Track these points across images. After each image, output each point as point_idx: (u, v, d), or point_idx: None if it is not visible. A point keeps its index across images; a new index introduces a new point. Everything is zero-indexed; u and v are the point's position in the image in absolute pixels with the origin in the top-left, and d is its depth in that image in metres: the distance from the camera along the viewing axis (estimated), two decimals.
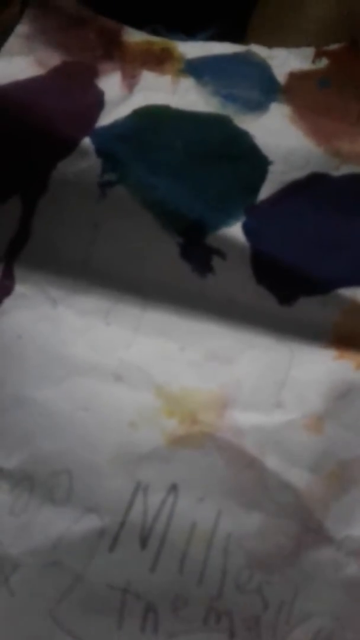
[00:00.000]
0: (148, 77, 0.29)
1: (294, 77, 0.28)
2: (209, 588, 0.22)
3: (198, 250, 0.26)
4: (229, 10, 0.33)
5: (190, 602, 0.22)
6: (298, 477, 0.23)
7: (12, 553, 0.23)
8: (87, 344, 0.26)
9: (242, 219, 0.26)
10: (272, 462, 0.23)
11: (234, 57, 0.29)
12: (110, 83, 0.28)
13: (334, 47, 0.29)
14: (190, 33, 0.32)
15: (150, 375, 0.25)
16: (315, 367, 0.25)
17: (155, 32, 0.31)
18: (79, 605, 0.22)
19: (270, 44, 0.30)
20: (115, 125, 0.27)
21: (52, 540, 0.23)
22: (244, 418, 0.24)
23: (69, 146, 0.26)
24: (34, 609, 0.22)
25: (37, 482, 0.23)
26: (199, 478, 0.23)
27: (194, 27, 0.32)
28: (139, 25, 0.31)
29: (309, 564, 0.23)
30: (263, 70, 0.29)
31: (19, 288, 0.27)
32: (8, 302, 0.27)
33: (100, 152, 0.26)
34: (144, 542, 0.23)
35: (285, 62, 0.29)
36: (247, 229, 0.25)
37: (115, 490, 0.23)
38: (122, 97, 0.28)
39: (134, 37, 0.30)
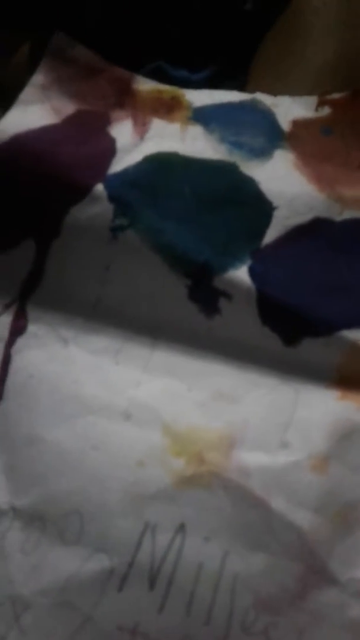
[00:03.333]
0: (158, 125, 0.30)
1: (297, 124, 0.29)
2: (215, 629, 0.22)
3: (205, 292, 0.27)
4: (230, 49, 0.34)
5: None
6: (303, 518, 0.23)
7: (24, 593, 0.23)
8: (97, 383, 0.26)
9: (248, 262, 0.26)
10: (278, 503, 0.23)
11: (240, 105, 0.30)
12: (122, 131, 0.30)
13: (336, 95, 0.30)
14: (193, 70, 0.33)
15: (158, 414, 0.25)
16: (320, 408, 0.25)
17: (159, 68, 0.32)
18: None
19: (272, 85, 0.31)
20: (126, 172, 0.28)
21: (62, 580, 0.23)
22: (250, 458, 0.24)
23: (82, 192, 0.27)
24: None
25: (49, 522, 0.24)
26: (206, 518, 0.23)
27: (197, 64, 0.34)
28: (143, 61, 0.32)
29: (314, 606, 0.23)
30: (268, 117, 0.30)
31: (32, 328, 0.28)
32: (21, 341, 0.27)
33: (112, 197, 0.27)
34: (152, 582, 0.23)
35: (289, 109, 0.30)
36: (252, 272, 0.26)
37: (124, 530, 0.23)
38: (133, 144, 0.29)
39: (144, 85, 0.32)
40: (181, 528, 0.23)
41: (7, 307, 0.28)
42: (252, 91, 0.31)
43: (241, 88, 0.32)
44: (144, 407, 0.26)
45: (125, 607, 0.23)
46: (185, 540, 0.23)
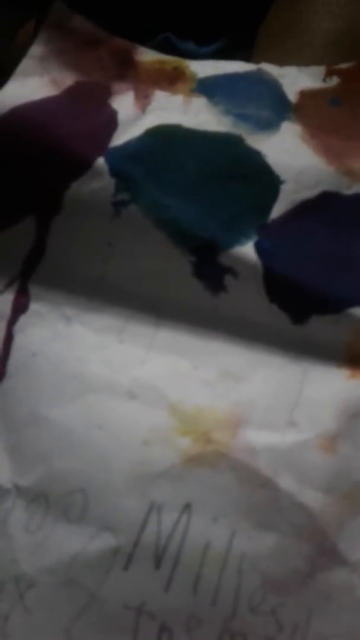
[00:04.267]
0: (160, 97, 0.29)
1: (304, 95, 0.29)
2: (222, 609, 0.22)
3: (211, 269, 0.26)
4: (238, 21, 0.34)
5: (204, 622, 0.22)
6: (312, 498, 0.23)
7: (28, 571, 0.23)
8: (101, 362, 0.26)
9: (254, 238, 0.26)
10: (286, 482, 0.23)
11: (245, 76, 0.29)
12: (124, 103, 0.29)
13: (344, 65, 0.29)
14: (201, 43, 0.33)
15: (163, 393, 0.25)
16: (328, 387, 0.25)
17: (166, 40, 0.31)
18: (94, 624, 0.22)
19: (277, 58, 0.30)
20: (128, 145, 0.27)
21: (67, 559, 0.23)
22: (258, 438, 0.24)
23: (83, 166, 0.27)
24: (50, 628, 0.22)
25: (52, 500, 0.24)
26: (212, 498, 0.23)
27: (205, 37, 0.33)
28: (151, 34, 0.31)
29: (323, 586, 0.22)
30: (274, 89, 0.29)
31: (34, 306, 0.27)
32: (23, 319, 0.27)
33: (114, 171, 0.26)
34: (158, 561, 0.23)
35: (296, 80, 0.29)
36: (259, 248, 0.26)
37: (129, 509, 0.23)
38: (135, 117, 0.28)
39: (147, 56, 0.31)
40: (187, 507, 0.23)
41: (8, 285, 0.28)
42: (257, 62, 0.30)
43: (248, 60, 0.31)
44: (149, 386, 0.25)
45: (131, 586, 0.23)
46: (191, 520, 0.23)
